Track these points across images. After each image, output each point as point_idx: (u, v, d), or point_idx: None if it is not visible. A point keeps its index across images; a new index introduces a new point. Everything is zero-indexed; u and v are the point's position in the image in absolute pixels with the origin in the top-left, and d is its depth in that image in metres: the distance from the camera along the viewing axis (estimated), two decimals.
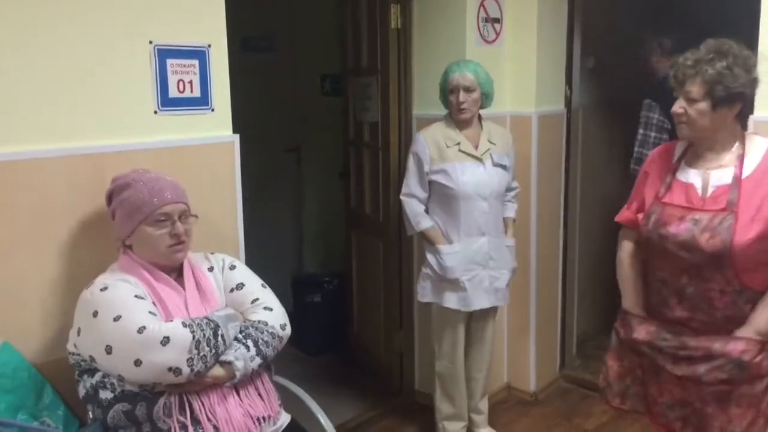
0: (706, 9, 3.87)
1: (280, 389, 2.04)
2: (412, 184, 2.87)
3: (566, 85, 3.59)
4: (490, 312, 3.01)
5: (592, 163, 4.10)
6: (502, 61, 3.34)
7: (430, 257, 2.87)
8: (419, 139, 2.86)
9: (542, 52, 3.36)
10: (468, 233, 2.83)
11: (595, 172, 4.17)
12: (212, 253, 2.06)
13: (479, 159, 2.83)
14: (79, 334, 1.76)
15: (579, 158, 3.84)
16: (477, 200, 2.81)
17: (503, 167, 2.90)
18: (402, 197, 2.90)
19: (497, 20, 3.28)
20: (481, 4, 3.18)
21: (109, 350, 1.68)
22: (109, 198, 1.91)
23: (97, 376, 1.75)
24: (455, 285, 2.84)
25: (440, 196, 2.84)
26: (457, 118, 2.83)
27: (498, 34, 3.30)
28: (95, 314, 1.72)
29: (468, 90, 2.78)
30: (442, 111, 2.91)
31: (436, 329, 2.99)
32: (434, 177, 2.82)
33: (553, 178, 3.57)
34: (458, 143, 2.81)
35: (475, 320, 3.00)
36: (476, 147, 2.84)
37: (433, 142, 2.82)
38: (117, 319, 1.69)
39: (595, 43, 3.91)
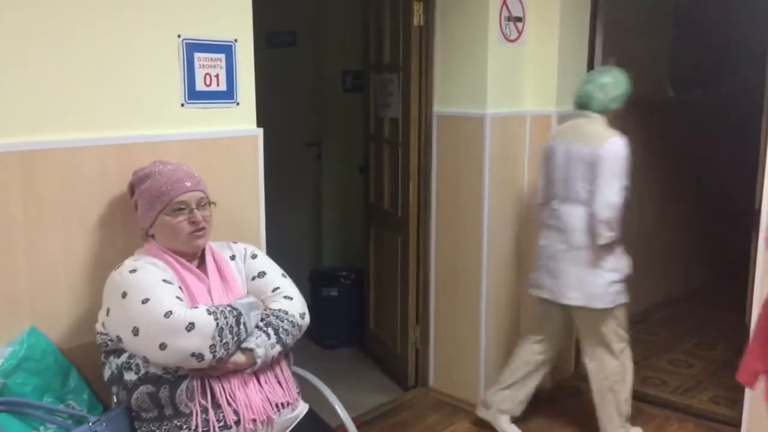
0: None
1: (298, 379, 2.06)
2: (620, 190, 2.72)
3: None
4: None
5: None
6: (524, 60, 3.34)
7: (620, 261, 2.84)
8: (626, 143, 2.76)
9: (564, 52, 3.36)
10: None
11: None
12: (234, 242, 2.09)
13: None
14: (108, 314, 1.80)
15: None
16: None
17: None
18: (617, 205, 2.71)
19: (520, 19, 3.29)
20: (504, 3, 3.18)
21: (136, 332, 1.72)
22: (131, 190, 1.96)
23: (123, 357, 1.79)
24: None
25: None
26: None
27: (520, 33, 3.30)
28: (124, 295, 1.76)
29: None
30: (466, 109, 2.87)
31: (613, 327, 2.92)
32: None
33: None
34: None
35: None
36: None
37: None
38: (145, 302, 1.73)
39: (617, 42, 3.90)
